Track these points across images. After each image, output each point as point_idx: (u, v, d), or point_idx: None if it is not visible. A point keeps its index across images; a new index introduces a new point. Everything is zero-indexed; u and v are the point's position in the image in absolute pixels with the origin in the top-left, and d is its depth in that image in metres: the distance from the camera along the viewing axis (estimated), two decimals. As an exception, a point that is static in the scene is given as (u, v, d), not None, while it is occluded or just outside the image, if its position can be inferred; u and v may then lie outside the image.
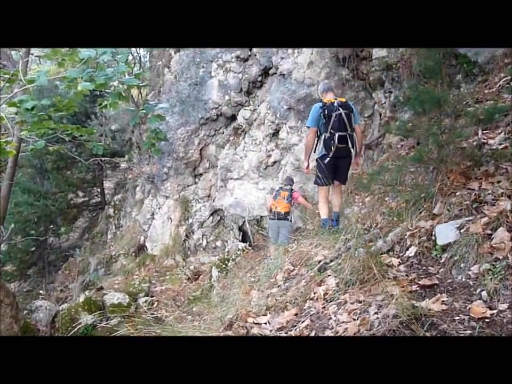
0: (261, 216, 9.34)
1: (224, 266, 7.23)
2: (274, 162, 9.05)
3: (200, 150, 10.79)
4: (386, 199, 4.03)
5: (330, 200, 4.51)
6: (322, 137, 3.95)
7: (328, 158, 4.00)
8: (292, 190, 6.47)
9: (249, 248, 8.14)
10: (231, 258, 7.44)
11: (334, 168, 4.08)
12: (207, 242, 11.58)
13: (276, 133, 8.96)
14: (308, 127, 4.11)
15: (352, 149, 4.05)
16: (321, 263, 2.78)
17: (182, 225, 11.21)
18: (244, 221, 10.31)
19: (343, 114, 3.85)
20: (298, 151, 8.07)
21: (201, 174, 11.34)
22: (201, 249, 11.37)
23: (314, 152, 4.17)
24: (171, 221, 11.18)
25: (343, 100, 3.99)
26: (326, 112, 3.86)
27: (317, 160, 4.20)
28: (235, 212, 9.92)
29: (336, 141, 3.85)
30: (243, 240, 10.59)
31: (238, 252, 7.77)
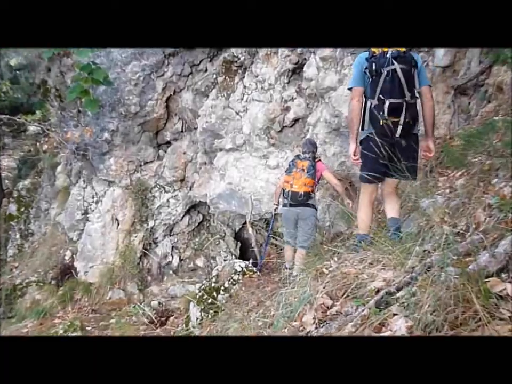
0: (275, 214, 9.35)
1: (210, 301, 7.26)
2: (296, 120, 9.02)
3: (167, 101, 10.83)
4: (494, 181, 4.00)
5: (383, 205, 4.67)
6: (368, 105, 4.25)
7: (375, 139, 4.16)
8: (315, 158, 6.71)
9: (254, 269, 8.15)
10: (222, 288, 7.45)
11: (384, 156, 4.23)
12: (180, 260, 11.63)
13: (297, 70, 8.90)
14: (350, 89, 4.38)
15: (414, 126, 4.21)
16: (380, 293, 2.77)
17: (136, 231, 11.33)
18: (245, 223, 10.37)
19: (398, 70, 4.07)
20: (338, 100, 8.03)
21: (168, 143, 11.41)
22: (171, 272, 11.47)
23: (362, 129, 4.36)
24: (118, 225, 11.33)
25: (402, 49, 4.19)
26: (374, 67, 4.12)
27: (361, 142, 4.41)
28: (228, 208, 10.00)
29: (386, 111, 4.09)
30: (242, 256, 10.74)
31: (235, 277, 7.77)
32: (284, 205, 6.76)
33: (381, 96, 4.09)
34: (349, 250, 4.08)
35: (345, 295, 3.08)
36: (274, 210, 7.73)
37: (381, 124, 4.12)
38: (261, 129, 9.29)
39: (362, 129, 4.34)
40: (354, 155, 4.40)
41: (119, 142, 10.89)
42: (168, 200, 11.10)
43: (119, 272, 10.75)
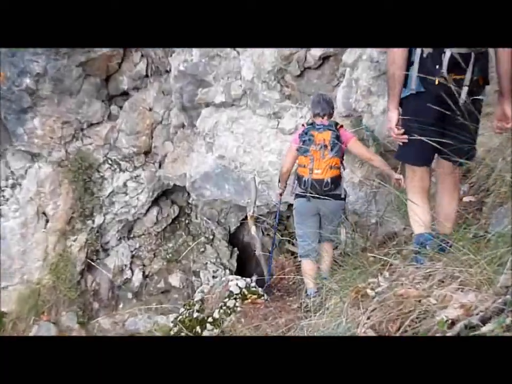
0: (289, 205, 9.38)
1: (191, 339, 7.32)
2: (324, 58, 9.02)
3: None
4: None
5: (436, 195, 4.75)
6: (417, 54, 4.42)
7: (424, 102, 4.30)
8: (337, 125, 6.80)
9: (259, 290, 8.20)
10: (210, 320, 7.49)
11: (441, 125, 4.38)
12: (144, 276, 11.59)
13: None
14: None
15: (483, 87, 4.31)
16: (457, 327, 2.77)
17: (76, 231, 11.36)
18: (245, 218, 10.44)
19: None
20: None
21: (126, 94, 11.45)
22: (130, 295, 11.44)
23: (404, 86, 4.48)
24: (47, 222, 11.39)
25: None
26: None
27: (401, 103, 4.56)
28: (219, 195, 10.03)
29: (445, 65, 4.25)
30: (241, 271, 10.89)
31: (230, 303, 7.81)
32: (299, 195, 6.82)
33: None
34: (408, 261, 4.09)
35: (401, 330, 3.09)
36: (280, 196, 7.75)
37: (436, 82, 4.22)
38: (271, 72, 9.31)
39: (405, 86, 4.47)
40: (397, 127, 4.53)
41: (47, 93, 10.89)
42: (125, 184, 11.15)
43: (49, 296, 10.83)
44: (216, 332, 7.35)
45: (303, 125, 6.92)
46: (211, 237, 11.29)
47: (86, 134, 11.18)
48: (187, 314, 7.77)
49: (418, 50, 4.33)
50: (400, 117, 4.56)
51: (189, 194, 10.62)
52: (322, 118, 6.72)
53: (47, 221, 11.19)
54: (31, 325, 10.61)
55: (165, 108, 10.81)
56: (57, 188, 11.09)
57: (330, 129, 6.57)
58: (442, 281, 3.31)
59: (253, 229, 9.58)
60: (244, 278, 8.08)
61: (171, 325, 8.02)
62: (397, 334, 3.12)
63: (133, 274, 11.28)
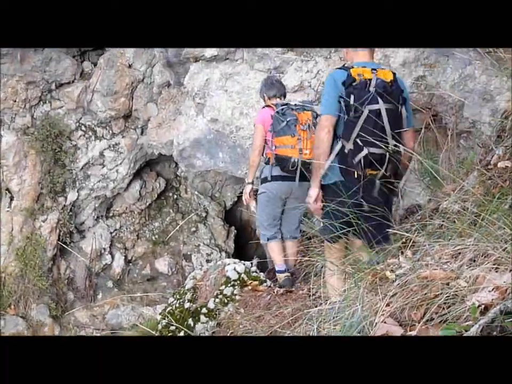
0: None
1: (183, 334, 7.33)
2: None
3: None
4: None
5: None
6: (338, 147, 5.29)
7: (345, 189, 5.10)
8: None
9: (260, 275, 8.22)
10: (204, 310, 7.49)
11: (358, 211, 5.06)
12: (127, 261, 11.59)
13: None
14: (318, 116, 5.87)
15: (394, 182, 5.13)
16: (490, 313, 2.77)
17: (45, 210, 11.26)
18: (241, 191, 10.28)
19: (383, 112, 5.14)
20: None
21: (100, 48, 11.26)
22: (110, 283, 11.42)
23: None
24: (11, 200, 11.24)
25: (389, 75, 5.32)
26: (353, 101, 5.14)
27: (323, 187, 5.43)
28: (212, 165, 9.99)
29: (363, 162, 5.15)
30: (240, 253, 10.96)
31: (227, 290, 7.84)
32: (274, 178, 7.41)
33: (358, 141, 5.11)
34: (433, 238, 4.10)
35: (426, 318, 3.10)
36: (252, 195, 7.95)
37: (355, 176, 5.13)
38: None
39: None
40: (315, 202, 5.38)
41: (8, 47, 10.84)
42: (102, 154, 11.13)
43: (16, 286, 10.84)
44: (211, 324, 7.38)
45: (269, 106, 7.45)
46: (204, 214, 11.31)
47: (55, 96, 11.13)
48: (177, 305, 7.80)
49: (339, 144, 5.22)
50: (324, 197, 5.32)
51: (176, 165, 10.62)
52: (280, 99, 7.50)
53: (11, 199, 11.16)
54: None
55: (146, 63, 10.78)
56: (23, 159, 11.06)
57: (309, 110, 7.37)
58: (474, 260, 3.32)
59: (253, 204, 9.60)
60: (243, 262, 8.12)
61: (159, 317, 8.05)
62: (421, 322, 3.14)
63: (113, 259, 11.30)
